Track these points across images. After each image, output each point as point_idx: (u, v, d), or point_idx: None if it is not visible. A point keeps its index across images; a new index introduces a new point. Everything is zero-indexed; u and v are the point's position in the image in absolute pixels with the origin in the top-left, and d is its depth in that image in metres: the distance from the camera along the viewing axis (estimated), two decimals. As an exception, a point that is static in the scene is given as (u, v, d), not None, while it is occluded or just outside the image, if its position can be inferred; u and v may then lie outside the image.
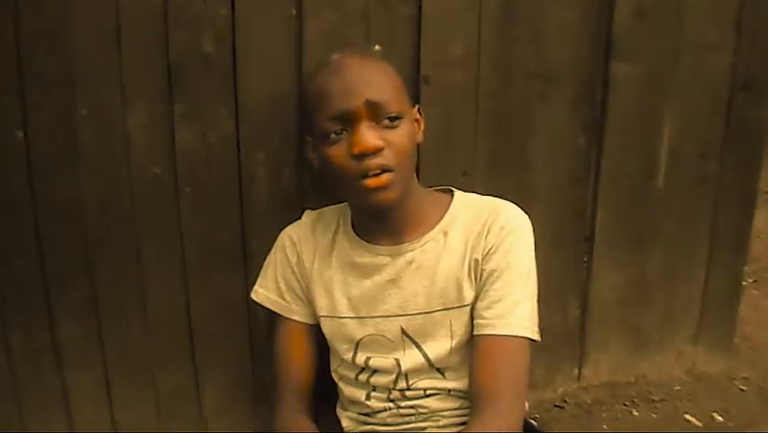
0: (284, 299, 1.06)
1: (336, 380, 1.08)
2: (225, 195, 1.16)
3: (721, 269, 1.44)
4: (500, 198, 1.01)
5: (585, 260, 1.37)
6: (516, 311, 0.92)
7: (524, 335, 0.91)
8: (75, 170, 1.11)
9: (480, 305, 0.94)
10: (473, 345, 0.95)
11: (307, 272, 1.04)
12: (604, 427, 1.35)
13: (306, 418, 1.04)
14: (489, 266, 0.94)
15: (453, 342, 0.97)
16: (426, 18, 1.14)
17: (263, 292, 1.08)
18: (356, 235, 1.01)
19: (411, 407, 1.00)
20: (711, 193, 1.39)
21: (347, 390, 1.05)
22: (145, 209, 1.15)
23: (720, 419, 1.37)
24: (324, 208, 1.09)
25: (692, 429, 1.34)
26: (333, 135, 0.89)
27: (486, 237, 0.95)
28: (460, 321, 0.97)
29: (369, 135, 0.87)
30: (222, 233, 1.18)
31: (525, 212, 0.99)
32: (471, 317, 0.96)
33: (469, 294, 0.96)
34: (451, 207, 1.00)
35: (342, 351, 1.02)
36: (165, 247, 1.17)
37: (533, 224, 0.99)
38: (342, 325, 1.01)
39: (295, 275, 1.05)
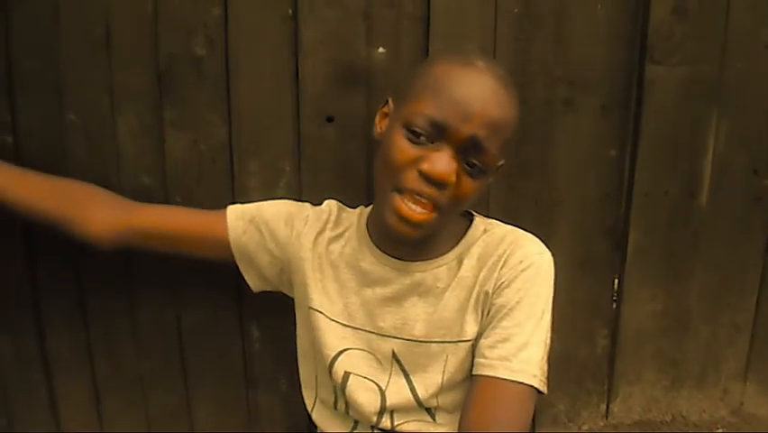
0: (240, 225, 0.97)
1: (312, 409, 0.99)
2: (217, 206, 1.08)
3: (775, 296, 1.29)
4: (520, 226, 0.91)
5: (616, 284, 1.24)
6: (522, 355, 0.81)
7: (528, 382, 0.80)
8: (64, 177, 1.07)
9: (483, 343, 0.84)
10: (470, 387, 0.84)
11: (299, 255, 0.94)
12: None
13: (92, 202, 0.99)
14: (498, 301, 0.84)
15: (445, 379, 0.87)
16: (436, 16, 1.05)
17: (236, 209, 0.99)
18: (369, 238, 0.92)
19: (395, 454, 0.91)
20: (765, 213, 1.25)
21: (326, 425, 0.97)
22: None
23: (770, 469, 1.24)
24: (346, 207, 1.00)
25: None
26: (415, 131, 0.77)
27: (500, 269, 0.85)
28: (456, 357, 0.87)
29: (448, 165, 0.76)
30: (213, 246, 1.11)
31: (548, 234, 0.90)
32: (471, 355, 0.86)
33: (471, 329, 0.86)
34: (468, 233, 0.90)
35: (322, 357, 0.92)
36: (154, 259, 1.11)
37: (556, 246, 0.89)
38: (332, 327, 0.92)
39: (279, 235, 0.96)
